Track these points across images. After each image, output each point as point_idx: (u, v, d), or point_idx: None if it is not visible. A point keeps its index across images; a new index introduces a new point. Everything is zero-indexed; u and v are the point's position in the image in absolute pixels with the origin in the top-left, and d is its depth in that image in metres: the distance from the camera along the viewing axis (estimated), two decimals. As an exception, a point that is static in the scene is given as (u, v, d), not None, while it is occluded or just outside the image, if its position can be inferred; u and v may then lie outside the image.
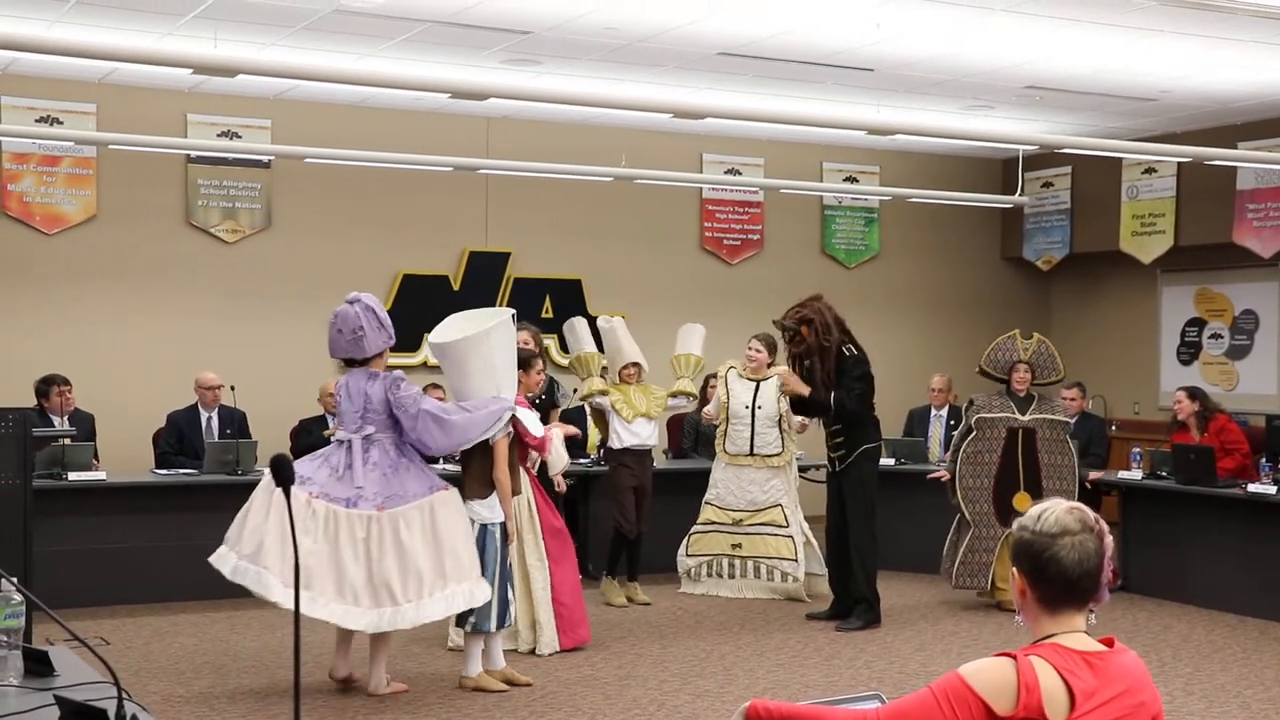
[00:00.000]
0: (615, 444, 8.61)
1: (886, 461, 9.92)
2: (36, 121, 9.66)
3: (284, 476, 3.50)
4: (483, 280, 11.15)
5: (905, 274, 12.93)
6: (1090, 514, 2.41)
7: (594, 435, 9.55)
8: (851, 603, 7.99)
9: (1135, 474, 9.12)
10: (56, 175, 9.88)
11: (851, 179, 12.60)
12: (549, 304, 11.12)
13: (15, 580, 2.88)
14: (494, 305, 11.05)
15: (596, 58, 8.89)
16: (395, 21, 8.00)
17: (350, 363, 6.30)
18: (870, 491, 8.03)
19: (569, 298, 11.41)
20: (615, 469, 8.66)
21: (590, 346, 8.71)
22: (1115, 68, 9.12)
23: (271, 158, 10.32)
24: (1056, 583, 2.38)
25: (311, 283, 10.58)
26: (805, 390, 7.91)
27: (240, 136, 10.29)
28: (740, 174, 12.06)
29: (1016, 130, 11.10)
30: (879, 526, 8.08)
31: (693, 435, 10.53)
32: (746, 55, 8.84)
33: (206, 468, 8.62)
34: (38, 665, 3.12)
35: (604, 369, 8.76)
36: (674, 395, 8.78)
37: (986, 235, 13.35)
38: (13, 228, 9.80)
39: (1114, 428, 10.83)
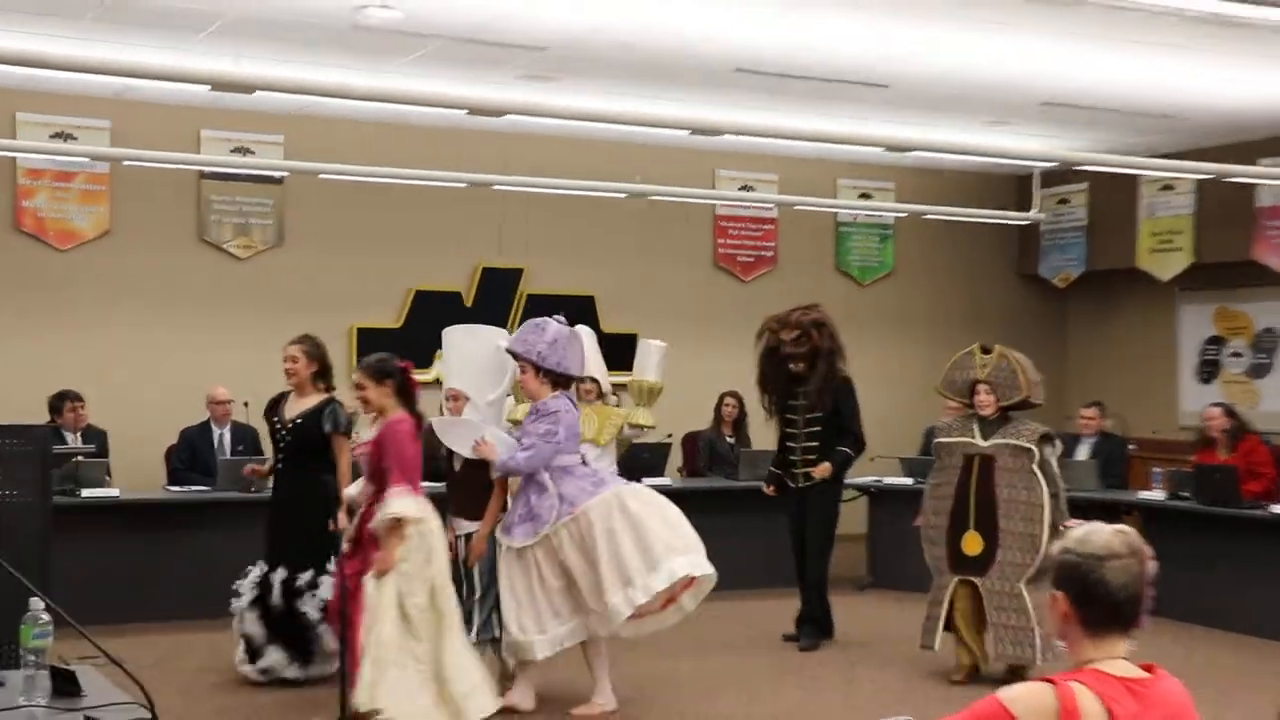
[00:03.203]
0: None
1: (903, 480, 9.95)
2: (51, 137, 9.70)
3: (327, 497, 3.50)
4: (495, 296, 11.16)
5: (920, 291, 12.93)
6: (1136, 537, 2.41)
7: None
8: (801, 621, 8.06)
9: (1157, 494, 9.10)
10: (70, 191, 9.93)
11: (866, 195, 12.61)
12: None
13: (47, 600, 2.89)
14: (506, 321, 11.08)
15: (612, 74, 8.92)
16: (411, 38, 8.04)
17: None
18: (833, 518, 8.04)
19: (581, 314, 11.36)
20: None
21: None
22: (1133, 83, 9.13)
23: (284, 174, 10.35)
24: (1102, 606, 2.37)
25: (324, 299, 10.60)
26: (829, 472, 7.92)
27: (253, 152, 10.33)
28: (754, 190, 12.08)
29: (1033, 147, 11.11)
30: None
31: (707, 453, 10.52)
32: (762, 72, 8.87)
33: (219, 485, 8.63)
34: (65, 685, 3.12)
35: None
36: (632, 425, 8.11)
37: (1002, 252, 13.34)
38: (26, 243, 9.84)
39: (1132, 448, 10.81)
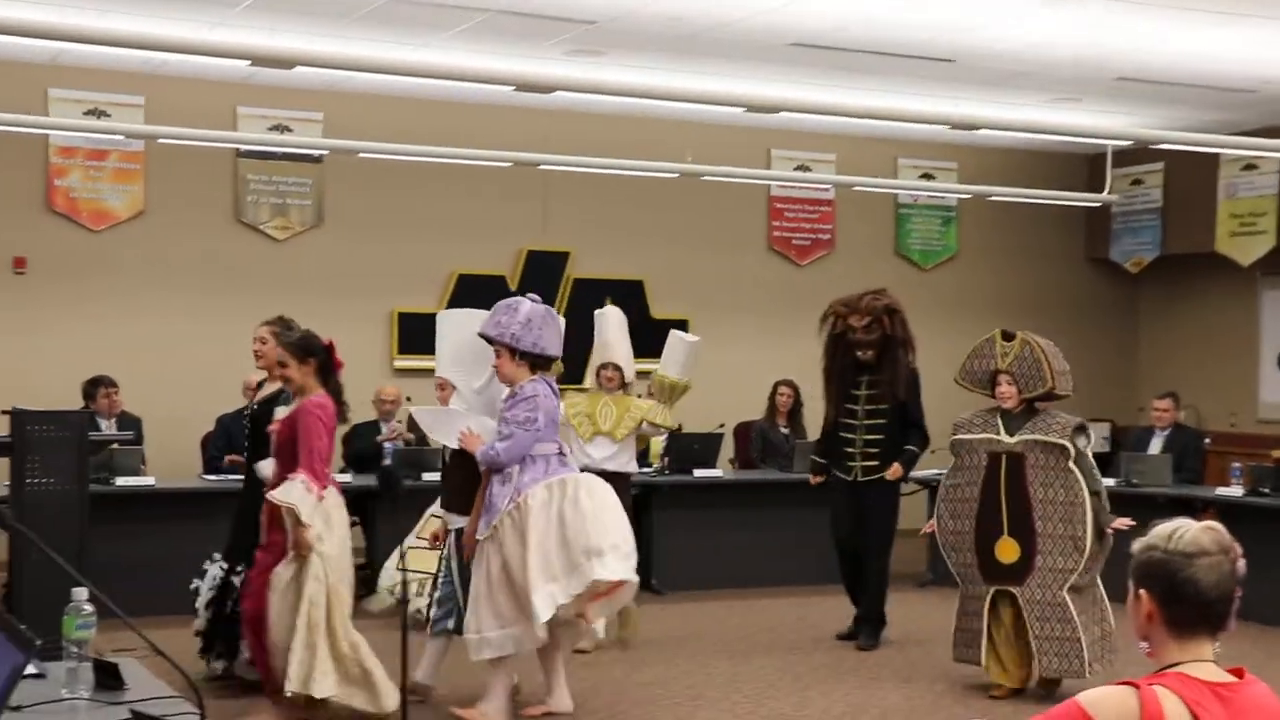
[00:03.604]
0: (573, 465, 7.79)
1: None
2: (84, 114, 9.81)
3: (392, 489, 3.51)
4: (541, 281, 11.13)
5: (984, 276, 12.86)
6: (1225, 534, 2.39)
7: (656, 445, 9.58)
8: (861, 620, 8.04)
9: (1235, 490, 9.02)
10: (104, 170, 10.04)
11: (928, 176, 12.54)
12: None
13: (94, 589, 2.93)
14: (552, 307, 11.09)
15: (663, 49, 8.91)
16: (455, 11, 8.07)
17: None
18: (894, 516, 8.01)
19: (630, 299, 11.41)
20: None
21: None
22: (1213, 56, 9.02)
23: (323, 152, 10.42)
24: (1192, 606, 2.36)
25: (364, 282, 10.68)
26: (901, 473, 7.92)
27: (291, 130, 10.41)
28: (810, 170, 12.04)
29: (1106, 124, 11.00)
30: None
31: (760, 444, 10.52)
32: (820, 46, 8.83)
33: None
34: (108, 678, 3.17)
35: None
36: (650, 423, 7.70)
37: (1071, 235, 13.24)
38: (59, 224, 9.96)
39: (1207, 441, 10.69)
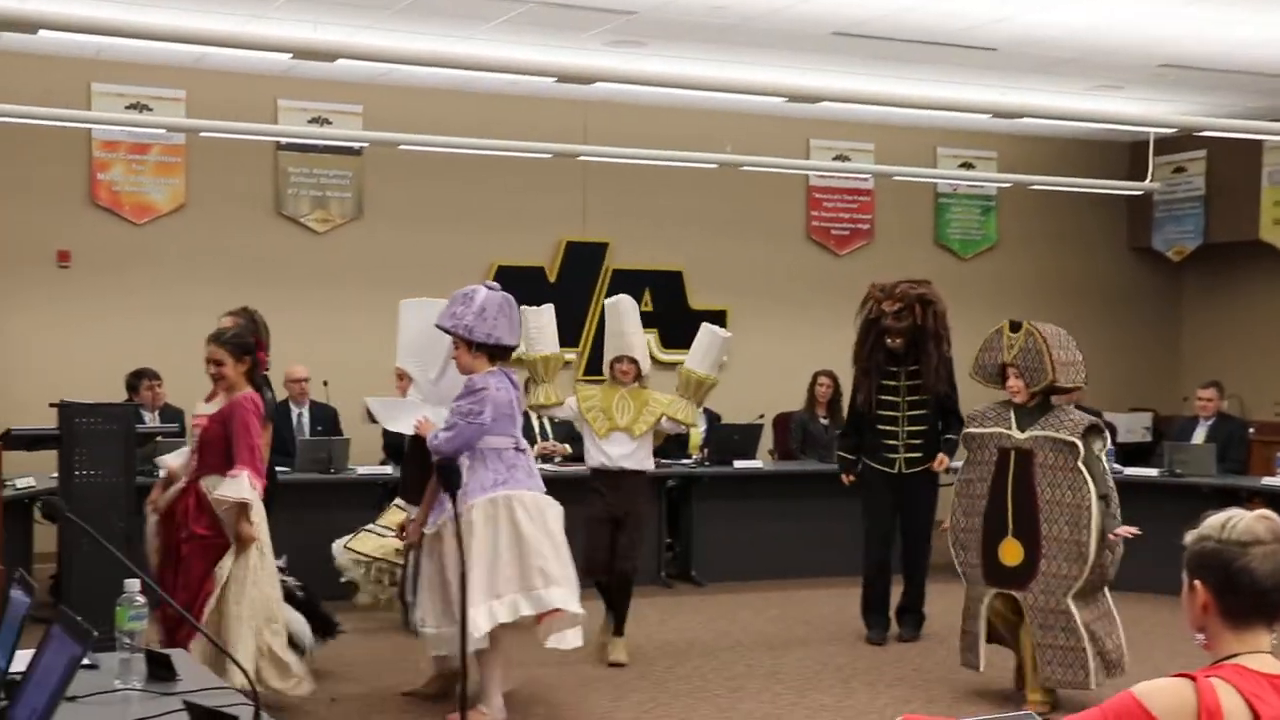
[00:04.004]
0: (587, 462, 7.45)
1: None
2: (126, 108, 9.88)
3: (452, 483, 3.50)
4: (580, 271, 11.21)
5: (1024, 266, 12.78)
6: (1279, 523, 2.37)
7: (695, 435, 9.57)
8: (904, 611, 8.03)
9: (1280, 480, 8.95)
10: (146, 163, 10.11)
11: (967, 165, 12.48)
12: (649, 297, 11.15)
13: (149, 579, 2.95)
14: (591, 298, 11.14)
15: (704, 39, 8.89)
16: (495, 3, 8.08)
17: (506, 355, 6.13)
18: (935, 508, 7.95)
19: (669, 290, 11.44)
20: (586, 494, 7.30)
21: (547, 346, 7.39)
22: (1256, 43, 8.93)
23: (363, 145, 10.46)
24: (1247, 595, 2.33)
25: (404, 274, 10.68)
26: (947, 464, 7.78)
27: (331, 123, 10.45)
28: (849, 160, 11.99)
29: (1148, 112, 10.91)
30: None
31: (800, 435, 10.50)
32: (861, 35, 8.79)
33: (298, 466, 8.75)
34: (160, 669, 3.19)
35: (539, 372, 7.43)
36: (670, 419, 7.33)
37: (1113, 224, 13.14)
38: (102, 217, 10.04)
39: (1252, 431, 10.60)
